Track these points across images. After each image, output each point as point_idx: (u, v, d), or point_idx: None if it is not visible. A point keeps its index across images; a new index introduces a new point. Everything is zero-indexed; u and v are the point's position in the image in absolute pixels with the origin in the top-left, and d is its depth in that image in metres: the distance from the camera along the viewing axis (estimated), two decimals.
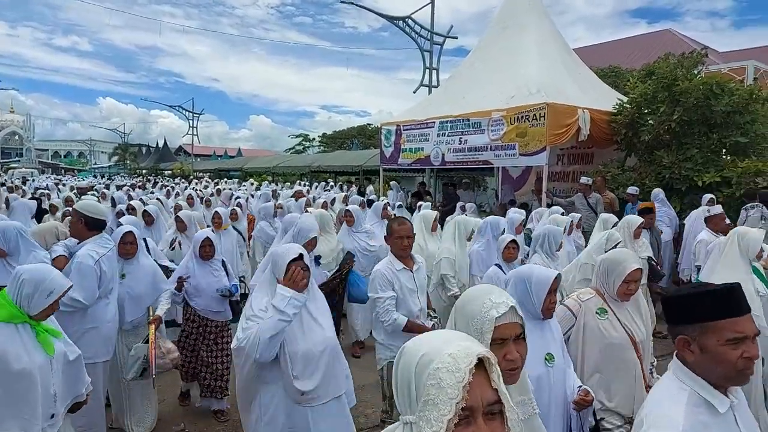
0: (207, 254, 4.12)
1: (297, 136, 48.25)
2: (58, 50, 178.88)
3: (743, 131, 7.76)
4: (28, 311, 2.24)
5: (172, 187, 17.32)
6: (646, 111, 8.40)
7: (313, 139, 46.20)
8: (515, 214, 6.07)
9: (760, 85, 8.90)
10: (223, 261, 4.31)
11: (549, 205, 8.61)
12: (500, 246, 4.29)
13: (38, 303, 2.24)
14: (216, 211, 6.21)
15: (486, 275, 4.11)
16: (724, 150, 7.93)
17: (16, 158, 55.92)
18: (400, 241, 3.32)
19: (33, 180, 21.27)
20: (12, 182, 18.34)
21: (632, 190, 7.90)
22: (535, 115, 8.07)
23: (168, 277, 4.13)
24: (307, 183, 20.15)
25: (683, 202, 7.86)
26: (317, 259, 4.37)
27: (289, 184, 21.13)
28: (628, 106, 8.60)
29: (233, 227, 6.53)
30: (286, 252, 2.56)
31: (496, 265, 4.15)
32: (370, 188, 14.30)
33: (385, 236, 3.53)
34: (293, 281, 2.44)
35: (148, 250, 4.30)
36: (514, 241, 4.27)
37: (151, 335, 3.51)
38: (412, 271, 3.38)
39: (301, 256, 2.56)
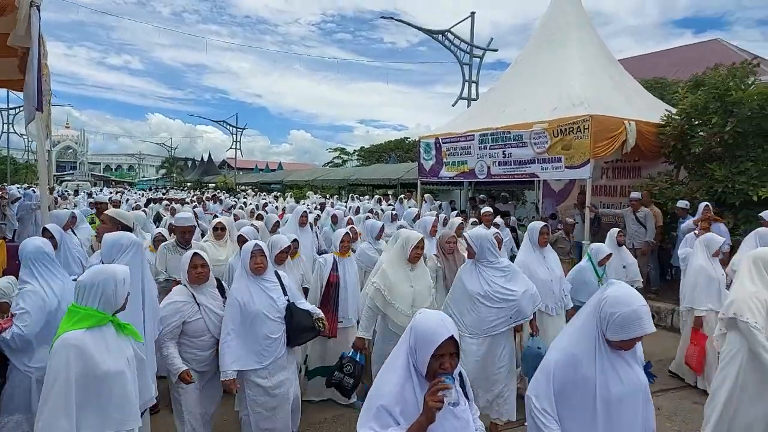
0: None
1: (335, 150, 48.86)
2: (111, 68, 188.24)
3: None
4: (116, 305, 2.38)
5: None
6: (696, 122, 8.11)
7: (353, 152, 46.63)
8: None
9: None
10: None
11: (592, 220, 8.44)
12: None
13: (120, 293, 2.38)
14: (347, 232, 4.93)
15: None
16: None
17: (70, 171, 58.74)
18: None
19: (99, 192, 21.98)
20: (64, 193, 19.19)
21: (682, 204, 7.64)
22: (579, 127, 7.92)
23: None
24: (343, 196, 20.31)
25: (737, 218, 7.54)
26: None
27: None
28: (677, 117, 8.34)
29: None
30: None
31: None
32: (412, 202, 14.27)
33: None
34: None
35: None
36: None
37: None
38: None
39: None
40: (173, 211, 11.01)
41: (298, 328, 3.52)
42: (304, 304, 3.72)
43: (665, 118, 8.50)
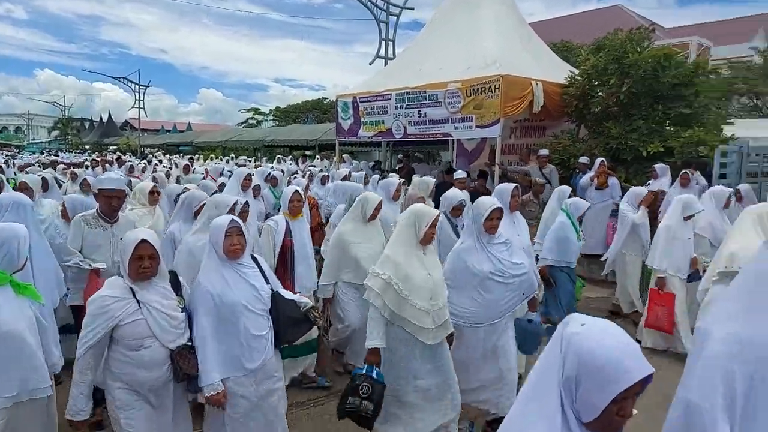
0: None
1: (249, 110, 47.05)
2: None
3: (687, 103, 8.10)
4: (17, 264, 2.34)
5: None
6: (596, 83, 8.62)
7: (268, 112, 45.12)
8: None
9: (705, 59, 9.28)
10: None
11: (501, 176, 8.80)
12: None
13: (22, 252, 2.34)
14: (297, 189, 4.34)
15: None
16: (668, 121, 8.25)
17: None
18: None
19: None
20: None
21: (584, 159, 8.17)
22: (490, 86, 8.13)
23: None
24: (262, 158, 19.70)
25: (628, 172, 8.19)
26: None
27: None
28: (579, 78, 8.81)
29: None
30: None
31: None
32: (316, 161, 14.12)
33: None
34: None
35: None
36: None
37: None
38: None
39: None
40: (74, 176, 10.03)
41: (288, 321, 2.77)
42: (286, 293, 2.96)
43: (569, 79, 8.94)
